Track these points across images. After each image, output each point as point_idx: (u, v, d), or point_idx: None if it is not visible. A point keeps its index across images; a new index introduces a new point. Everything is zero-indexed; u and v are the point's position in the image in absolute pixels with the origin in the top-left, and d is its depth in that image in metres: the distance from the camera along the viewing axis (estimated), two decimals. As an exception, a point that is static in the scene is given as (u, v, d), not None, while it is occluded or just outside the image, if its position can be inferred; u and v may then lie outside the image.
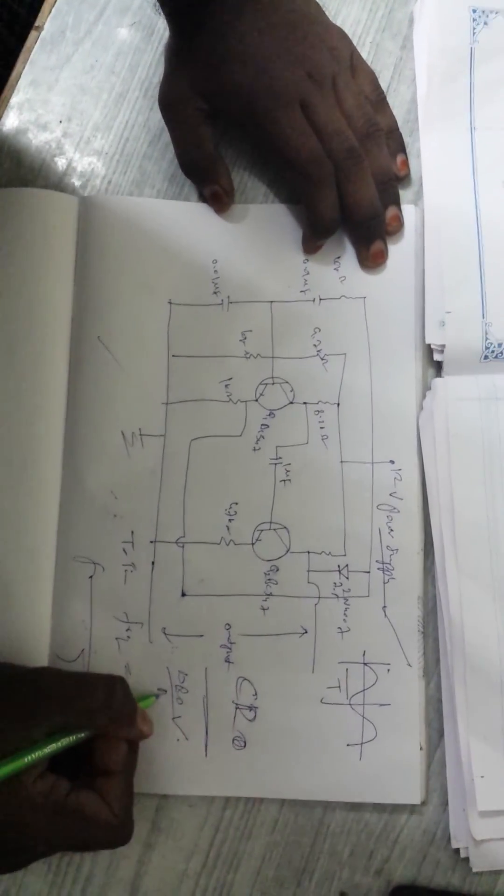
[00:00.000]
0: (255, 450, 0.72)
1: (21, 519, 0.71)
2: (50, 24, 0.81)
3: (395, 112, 0.76)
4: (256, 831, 0.68)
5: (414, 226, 0.75)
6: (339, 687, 0.68)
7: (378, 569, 0.69)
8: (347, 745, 0.67)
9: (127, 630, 0.70)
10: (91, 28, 0.81)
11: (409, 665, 0.68)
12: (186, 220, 0.76)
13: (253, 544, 0.70)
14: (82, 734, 0.62)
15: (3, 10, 0.87)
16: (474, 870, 0.65)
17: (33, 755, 0.59)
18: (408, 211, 0.75)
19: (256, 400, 0.73)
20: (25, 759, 0.59)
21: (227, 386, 0.73)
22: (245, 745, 0.68)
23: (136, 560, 0.71)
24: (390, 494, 0.70)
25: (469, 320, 0.71)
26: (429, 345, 0.72)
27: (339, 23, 0.78)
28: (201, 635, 0.70)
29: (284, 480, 0.71)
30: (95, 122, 0.79)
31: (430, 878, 0.66)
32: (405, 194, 0.76)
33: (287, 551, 0.70)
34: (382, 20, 0.80)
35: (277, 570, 0.70)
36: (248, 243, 0.76)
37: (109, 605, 0.70)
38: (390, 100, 0.77)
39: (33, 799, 0.59)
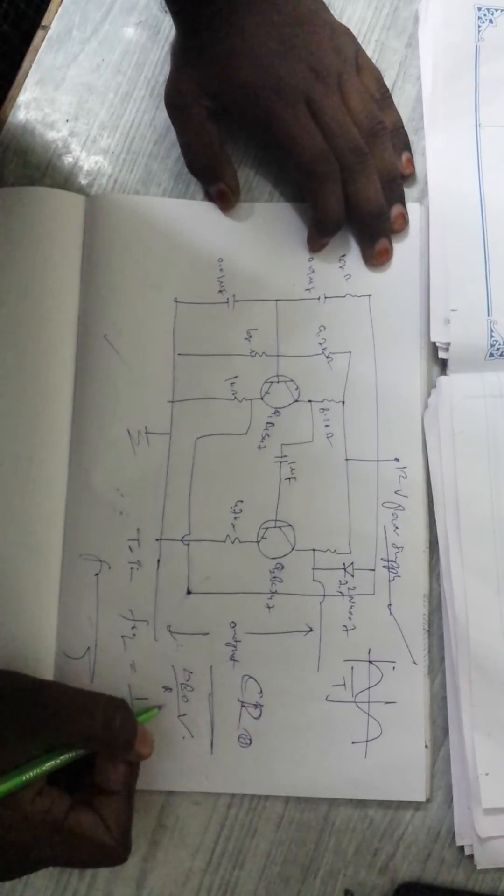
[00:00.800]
0: (260, 448, 0.72)
1: (28, 516, 0.71)
2: (56, 23, 0.81)
3: (400, 110, 0.76)
4: (261, 828, 0.68)
5: (419, 224, 0.75)
6: (345, 685, 0.68)
7: (383, 566, 0.70)
8: (353, 742, 0.68)
9: (132, 628, 0.70)
10: (97, 27, 0.81)
11: (415, 663, 0.68)
12: (192, 219, 0.76)
13: (258, 542, 0.71)
14: (81, 751, 0.62)
15: (10, 8, 0.87)
16: (479, 867, 0.65)
17: (31, 772, 0.59)
18: (413, 209, 0.75)
19: (262, 398, 0.73)
20: (24, 777, 0.59)
21: (232, 384, 0.73)
22: (250, 743, 0.68)
23: (142, 558, 0.71)
24: (395, 492, 0.70)
25: (474, 318, 0.71)
26: (434, 342, 0.72)
27: (344, 21, 0.78)
28: (206, 633, 0.70)
29: (290, 478, 0.71)
30: (102, 121, 0.80)
31: (435, 876, 0.67)
32: (410, 192, 0.76)
33: (292, 549, 0.70)
34: (387, 18, 0.80)
35: (282, 567, 0.70)
36: (253, 242, 0.76)
37: (115, 602, 0.70)
38: (395, 98, 0.77)
39: (31, 817, 0.59)
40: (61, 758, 0.61)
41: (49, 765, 0.60)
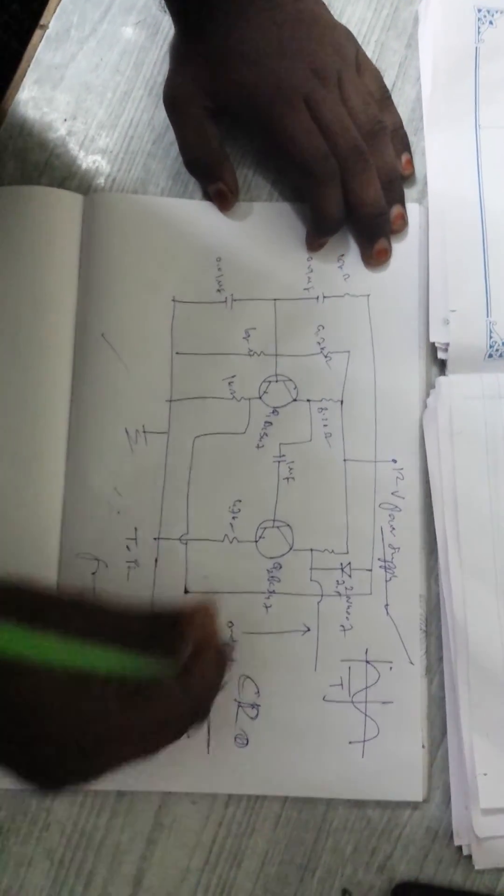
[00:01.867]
0: (258, 447, 0.72)
1: (25, 516, 0.71)
2: (55, 22, 0.81)
3: (399, 111, 0.76)
4: (259, 828, 0.68)
5: (418, 224, 0.75)
6: (342, 685, 0.68)
7: (380, 567, 0.69)
8: (350, 742, 0.67)
9: (130, 627, 0.70)
10: (96, 26, 0.81)
11: (412, 663, 0.68)
12: (190, 218, 0.76)
13: (256, 542, 0.70)
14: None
15: (11, 4, 0.87)
16: (476, 867, 0.65)
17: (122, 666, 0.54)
18: (412, 209, 0.75)
19: (260, 397, 0.73)
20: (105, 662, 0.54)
21: (230, 383, 0.73)
22: (247, 743, 0.68)
23: (140, 557, 0.71)
24: (392, 493, 0.70)
25: (473, 318, 0.71)
26: (433, 343, 0.72)
27: (344, 22, 0.78)
28: (204, 633, 0.70)
29: (288, 478, 0.71)
30: (100, 121, 0.80)
31: (433, 876, 0.66)
32: (410, 193, 0.76)
33: (290, 549, 0.70)
34: (387, 19, 0.80)
35: (280, 567, 0.70)
36: (252, 241, 0.76)
37: (112, 601, 0.70)
38: (395, 98, 0.77)
39: (107, 688, 0.54)
40: (143, 664, 0.55)
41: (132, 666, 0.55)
